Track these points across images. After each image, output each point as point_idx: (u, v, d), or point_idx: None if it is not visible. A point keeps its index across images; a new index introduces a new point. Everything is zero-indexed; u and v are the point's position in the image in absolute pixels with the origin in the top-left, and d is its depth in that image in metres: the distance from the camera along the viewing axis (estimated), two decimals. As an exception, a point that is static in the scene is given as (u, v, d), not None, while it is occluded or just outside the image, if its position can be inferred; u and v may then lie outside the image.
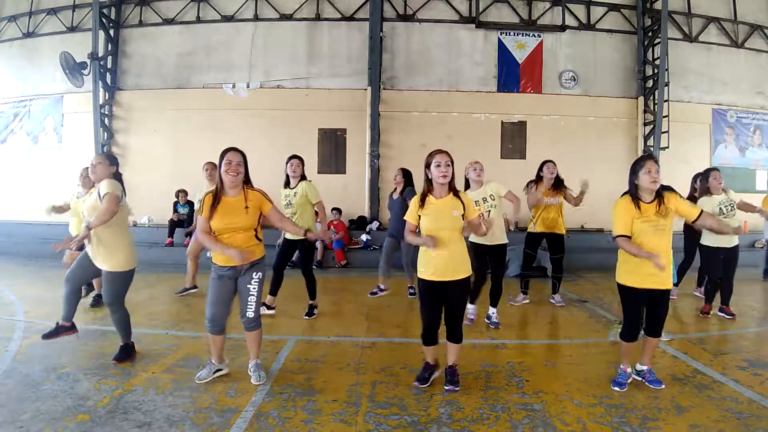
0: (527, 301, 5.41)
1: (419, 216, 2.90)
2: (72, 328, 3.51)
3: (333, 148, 9.64)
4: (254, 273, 2.97)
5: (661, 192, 2.86)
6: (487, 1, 9.54)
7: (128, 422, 2.47)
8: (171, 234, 8.36)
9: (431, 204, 2.87)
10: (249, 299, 2.98)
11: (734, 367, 3.38)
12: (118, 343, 3.43)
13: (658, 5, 9.27)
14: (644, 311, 3.01)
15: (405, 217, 3.01)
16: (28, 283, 6.13)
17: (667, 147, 9.31)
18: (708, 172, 4.77)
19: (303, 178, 4.66)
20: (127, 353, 3.40)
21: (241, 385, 2.96)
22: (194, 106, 9.55)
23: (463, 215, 2.87)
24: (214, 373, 3.07)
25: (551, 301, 5.40)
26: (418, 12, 9.56)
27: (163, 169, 9.34)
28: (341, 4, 9.56)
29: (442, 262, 2.84)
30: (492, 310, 4.46)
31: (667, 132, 9.32)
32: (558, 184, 5.15)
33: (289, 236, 4.64)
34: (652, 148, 9.41)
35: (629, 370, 3.06)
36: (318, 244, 7.92)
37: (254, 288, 2.98)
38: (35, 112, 10.24)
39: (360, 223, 9.21)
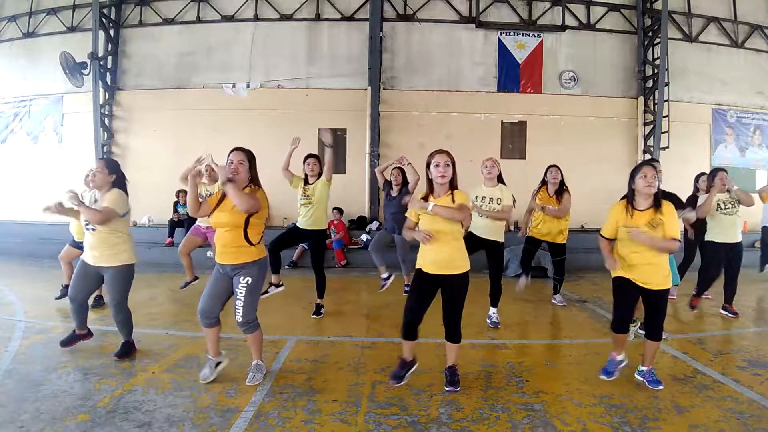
0: (528, 281, 5.10)
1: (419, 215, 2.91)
2: (88, 334, 3.67)
3: (333, 148, 9.61)
4: (242, 277, 2.93)
5: (661, 203, 2.89)
6: (487, 1, 9.55)
7: (128, 422, 2.47)
8: (171, 234, 8.36)
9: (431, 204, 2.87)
10: (237, 303, 2.96)
11: (734, 367, 3.39)
12: (120, 341, 3.48)
13: (658, 5, 9.27)
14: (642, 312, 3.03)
15: (407, 214, 3.02)
16: (28, 283, 6.13)
17: (667, 147, 9.31)
18: (715, 171, 4.77)
19: (320, 174, 4.70)
20: (128, 350, 3.46)
21: (241, 385, 2.96)
22: (194, 106, 9.55)
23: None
24: (216, 367, 3.08)
25: (553, 301, 5.41)
26: (418, 12, 9.57)
27: (163, 169, 9.29)
28: (341, 4, 9.56)
29: (439, 256, 2.86)
30: (492, 311, 4.47)
31: (667, 132, 9.32)
32: (559, 192, 5.03)
33: (300, 225, 4.61)
34: (652, 148, 9.41)
35: (619, 357, 3.08)
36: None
37: (241, 293, 2.94)
38: (35, 112, 10.24)
39: (360, 223, 9.21)
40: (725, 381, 3.13)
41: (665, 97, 9.25)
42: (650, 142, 9.49)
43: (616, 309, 3.04)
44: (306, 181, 4.68)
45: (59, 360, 3.34)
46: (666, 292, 2.96)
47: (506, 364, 3.46)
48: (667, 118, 9.29)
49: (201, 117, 9.48)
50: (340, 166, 9.58)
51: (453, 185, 2.89)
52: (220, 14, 9.65)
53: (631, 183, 2.96)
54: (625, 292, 2.98)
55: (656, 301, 2.95)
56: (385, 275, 5.58)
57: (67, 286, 4.86)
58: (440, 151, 2.87)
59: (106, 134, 9.63)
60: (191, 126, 9.47)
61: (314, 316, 4.70)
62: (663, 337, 4.02)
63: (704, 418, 2.60)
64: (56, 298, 4.95)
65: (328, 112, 9.51)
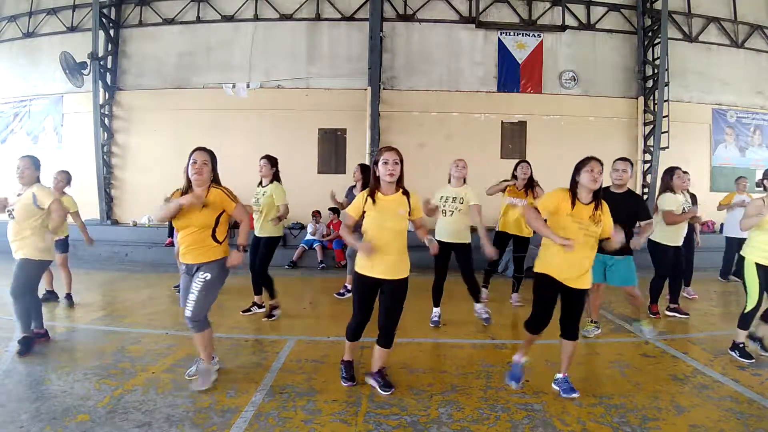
0: (486, 297, 5.11)
1: (364, 211, 2.88)
2: (45, 335, 3.71)
3: (333, 148, 9.64)
4: (201, 273, 2.89)
5: (600, 200, 2.85)
6: (487, 1, 9.55)
7: (128, 422, 2.47)
8: (171, 234, 8.34)
9: (379, 200, 2.85)
10: (189, 297, 2.90)
11: (734, 367, 3.38)
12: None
13: (658, 5, 9.27)
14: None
15: (347, 210, 2.95)
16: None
17: (667, 147, 9.31)
18: (672, 170, 4.67)
19: (275, 178, 4.61)
20: (27, 344, 3.43)
21: (241, 386, 2.96)
22: (194, 106, 9.54)
23: (409, 214, 2.88)
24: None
25: (510, 301, 5.33)
26: (418, 12, 9.56)
27: (163, 169, 9.29)
28: (341, 4, 9.56)
29: (382, 260, 2.83)
30: (477, 306, 4.42)
31: (667, 132, 9.32)
32: (529, 186, 5.06)
33: (255, 232, 4.59)
34: (652, 148, 9.42)
35: (524, 360, 3.00)
36: (316, 246, 7.94)
37: (197, 287, 2.88)
38: (35, 112, 10.23)
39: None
40: (725, 381, 3.13)
41: (665, 97, 9.24)
42: (650, 142, 9.49)
43: (537, 307, 2.92)
44: (260, 183, 4.65)
45: (59, 360, 3.34)
46: (586, 292, 2.90)
47: (506, 364, 3.44)
48: (667, 118, 9.28)
49: (201, 117, 9.47)
50: (340, 166, 9.61)
51: (399, 183, 2.89)
52: (220, 14, 9.65)
53: (575, 175, 2.86)
54: (548, 290, 2.88)
55: (578, 299, 2.88)
56: (349, 287, 5.45)
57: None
58: (389, 149, 2.86)
59: (106, 134, 9.62)
60: (191, 126, 9.45)
61: (266, 319, 4.53)
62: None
63: (704, 418, 2.60)
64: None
65: (328, 112, 9.51)
